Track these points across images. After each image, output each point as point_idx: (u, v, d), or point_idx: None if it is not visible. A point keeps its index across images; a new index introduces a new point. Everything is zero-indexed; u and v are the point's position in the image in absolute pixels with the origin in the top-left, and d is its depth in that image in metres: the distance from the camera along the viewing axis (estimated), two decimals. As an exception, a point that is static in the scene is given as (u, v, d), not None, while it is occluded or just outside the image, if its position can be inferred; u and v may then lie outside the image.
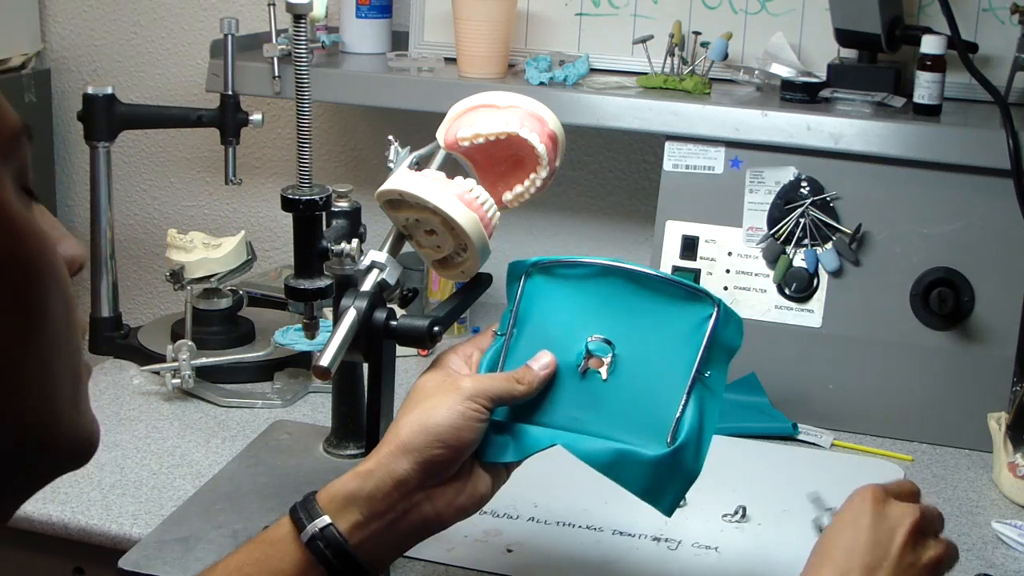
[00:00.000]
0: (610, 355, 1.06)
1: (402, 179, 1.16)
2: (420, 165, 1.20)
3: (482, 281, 1.27)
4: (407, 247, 1.23)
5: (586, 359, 1.06)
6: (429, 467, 0.99)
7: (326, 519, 0.95)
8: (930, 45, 1.71)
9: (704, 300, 1.05)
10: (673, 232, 1.77)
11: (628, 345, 1.06)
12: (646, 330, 1.06)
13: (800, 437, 1.65)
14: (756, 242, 1.74)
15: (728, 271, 1.75)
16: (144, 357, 1.77)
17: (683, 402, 1.02)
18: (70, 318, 0.62)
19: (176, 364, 1.67)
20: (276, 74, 1.90)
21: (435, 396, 1.02)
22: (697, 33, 1.89)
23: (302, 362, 1.77)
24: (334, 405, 1.52)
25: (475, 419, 1.01)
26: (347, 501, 0.97)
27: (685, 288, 1.06)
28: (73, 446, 0.63)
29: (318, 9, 1.82)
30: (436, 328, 1.21)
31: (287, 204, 1.35)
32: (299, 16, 1.34)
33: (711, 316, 1.05)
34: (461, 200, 1.14)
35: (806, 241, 1.72)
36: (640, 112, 1.78)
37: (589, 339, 1.06)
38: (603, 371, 1.05)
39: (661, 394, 1.03)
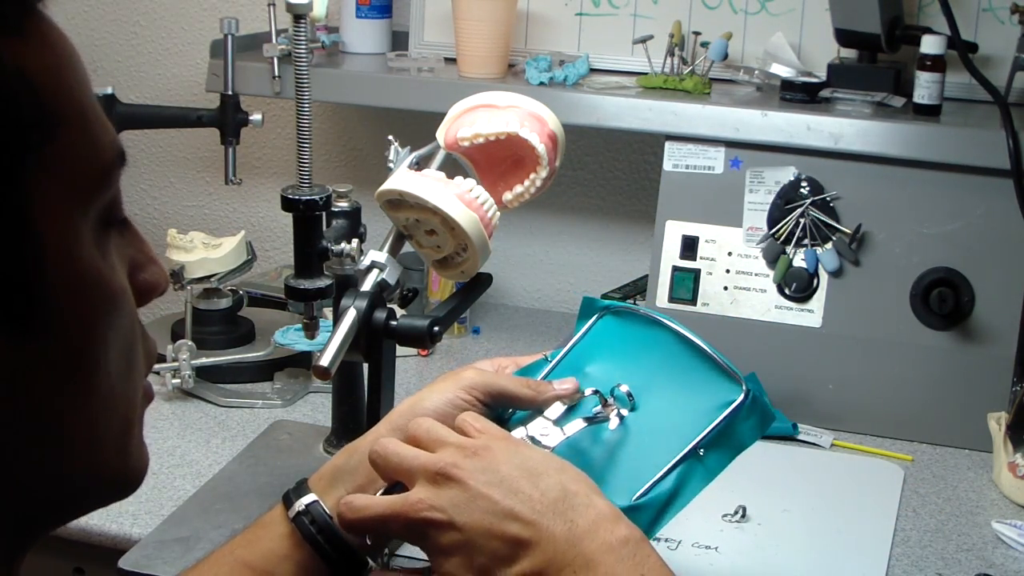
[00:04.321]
0: (626, 410, 1.02)
1: (402, 179, 1.16)
2: (420, 165, 1.20)
3: (482, 281, 1.27)
4: (407, 247, 1.23)
5: (603, 404, 1.03)
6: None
7: (312, 496, 0.95)
8: (930, 45, 1.71)
9: (737, 385, 1.02)
10: (673, 232, 1.77)
11: (649, 400, 1.03)
12: (672, 391, 1.03)
13: (800, 437, 1.65)
14: (756, 242, 1.74)
15: (728, 271, 1.75)
16: (144, 357, 1.77)
17: (665, 470, 0.99)
18: (130, 367, 0.62)
19: (176, 364, 1.67)
20: (276, 74, 1.90)
21: (437, 383, 1.02)
22: (697, 33, 1.88)
23: (302, 362, 1.77)
24: (334, 405, 1.52)
25: (463, 408, 0.99)
26: (333, 478, 0.97)
27: (723, 367, 1.03)
28: (115, 485, 0.63)
29: (318, 9, 1.82)
30: (436, 328, 1.21)
31: (287, 204, 1.35)
32: (299, 16, 1.34)
33: (734, 402, 1.01)
34: (461, 200, 1.14)
35: (806, 241, 1.72)
36: (640, 112, 1.78)
37: (616, 386, 1.03)
38: (612, 420, 1.02)
39: (653, 455, 1.00)
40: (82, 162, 0.57)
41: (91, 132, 0.58)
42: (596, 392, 1.03)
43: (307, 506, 0.95)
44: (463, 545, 0.86)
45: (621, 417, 1.02)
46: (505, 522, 0.86)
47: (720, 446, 1.02)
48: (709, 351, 1.04)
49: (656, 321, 1.07)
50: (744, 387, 1.02)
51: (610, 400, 1.03)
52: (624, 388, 1.03)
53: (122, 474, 0.63)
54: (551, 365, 1.08)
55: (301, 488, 0.97)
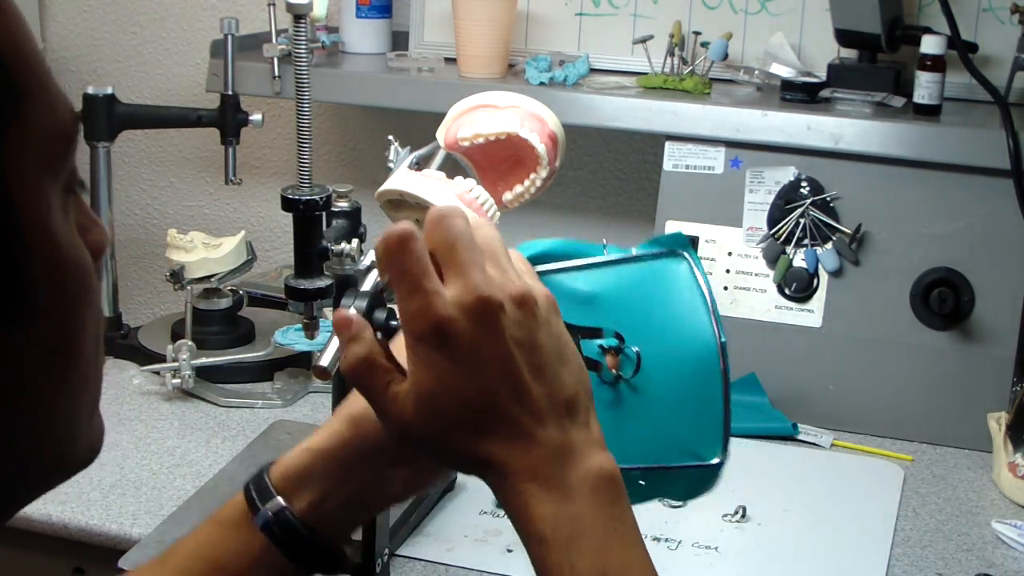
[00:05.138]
0: (623, 376, 0.94)
1: (402, 179, 1.16)
2: (420, 165, 1.20)
3: (482, 281, 1.26)
4: (407, 247, 1.23)
5: (612, 351, 0.93)
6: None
7: (280, 502, 0.87)
8: (930, 45, 1.71)
9: (717, 450, 0.95)
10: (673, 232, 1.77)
11: (649, 385, 0.94)
12: (674, 398, 0.95)
13: (800, 437, 1.65)
14: (756, 242, 1.74)
15: (728, 271, 1.75)
16: (144, 357, 1.77)
17: None
18: (99, 344, 0.61)
19: (176, 364, 1.67)
20: (276, 74, 1.90)
21: None
22: (697, 33, 1.88)
23: (302, 362, 1.77)
24: (334, 405, 1.52)
25: None
26: (300, 480, 0.88)
27: (724, 425, 0.95)
28: (82, 460, 0.63)
29: (318, 9, 1.82)
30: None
31: (287, 204, 1.35)
32: (299, 16, 1.34)
33: (703, 464, 0.95)
34: (461, 200, 1.14)
35: (806, 241, 1.72)
36: (640, 112, 1.78)
37: (632, 348, 0.94)
38: (608, 365, 0.93)
39: (611, 442, 0.91)
40: (49, 132, 0.56)
41: (52, 100, 0.56)
42: (618, 336, 0.93)
43: (275, 514, 0.87)
44: (457, 389, 0.74)
45: (616, 379, 0.93)
46: (512, 400, 0.74)
47: (656, 484, 0.96)
48: (725, 401, 0.96)
49: (712, 319, 0.97)
50: (721, 458, 0.95)
51: (618, 352, 0.94)
52: (636, 350, 0.93)
53: (89, 447, 0.62)
54: (600, 259, 0.97)
55: (263, 487, 0.89)
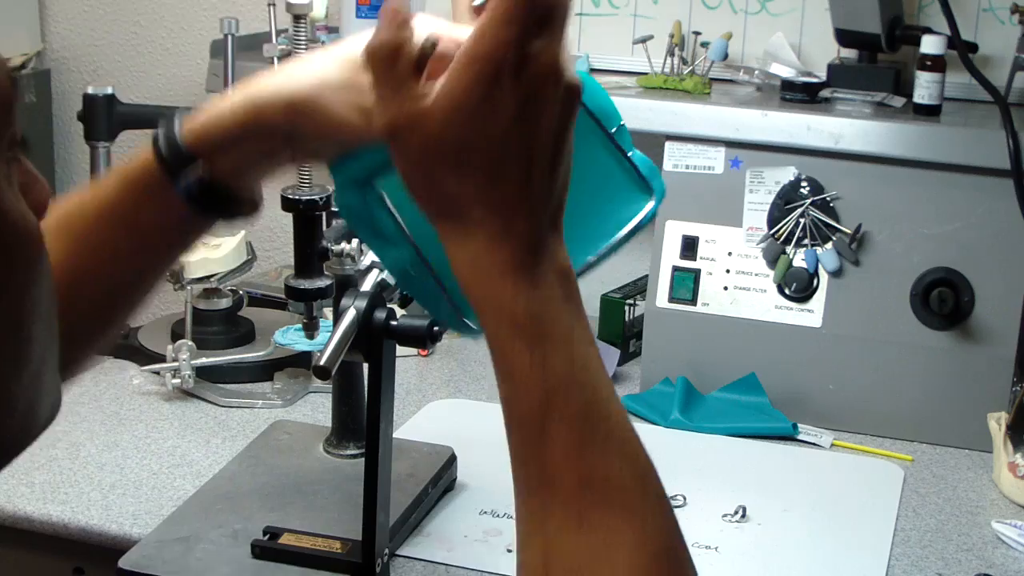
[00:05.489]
0: None
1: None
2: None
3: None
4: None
5: None
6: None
7: (199, 169, 0.84)
8: (930, 45, 1.71)
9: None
10: (673, 232, 1.77)
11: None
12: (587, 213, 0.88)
13: (800, 437, 1.65)
14: (756, 242, 1.74)
15: (728, 271, 1.75)
16: (144, 357, 1.77)
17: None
18: (53, 308, 0.59)
19: (176, 364, 1.67)
20: (276, 74, 1.89)
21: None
22: (697, 33, 1.89)
23: (302, 362, 1.77)
24: (334, 405, 1.52)
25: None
26: (223, 145, 0.84)
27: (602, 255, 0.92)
28: (43, 424, 0.62)
29: (318, 9, 1.82)
30: (436, 328, 1.21)
31: (287, 204, 1.35)
32: (299, 16, 1.34)
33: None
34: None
35: (806, 241, 1.72)
36: (640, 112, 1.78)
37: None
38: None
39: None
40: None
41: None
42: None
43: (196, 181, 0.84)
44: (478, 126, 0.69)
45: None
46: (520, 174, 0.70)
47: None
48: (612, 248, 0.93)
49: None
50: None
51: None
52: None
53: (49, 413, 0.61)
54: (606, 130, 0.89)
55: (178, 153, 0.84)
